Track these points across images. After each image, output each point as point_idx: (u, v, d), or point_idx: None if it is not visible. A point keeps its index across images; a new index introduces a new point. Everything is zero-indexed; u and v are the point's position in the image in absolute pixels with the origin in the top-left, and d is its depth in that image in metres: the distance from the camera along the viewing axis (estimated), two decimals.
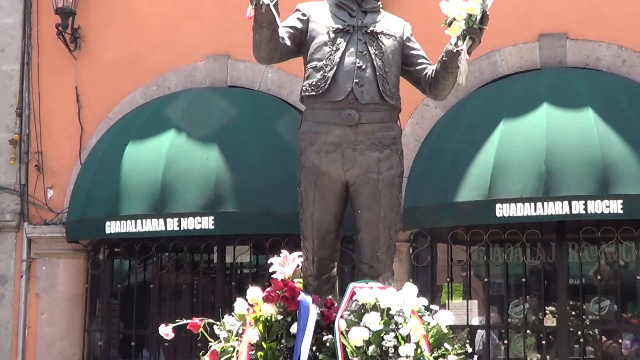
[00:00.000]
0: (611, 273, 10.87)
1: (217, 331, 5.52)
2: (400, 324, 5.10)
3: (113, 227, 10.43)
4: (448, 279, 10.48)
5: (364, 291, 5.25)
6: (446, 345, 5.20)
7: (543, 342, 10.40)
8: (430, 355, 5.06)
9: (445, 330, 5.23)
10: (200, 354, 5.58)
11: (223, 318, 5.58)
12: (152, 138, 10.71)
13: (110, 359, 11.57)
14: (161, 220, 10.23)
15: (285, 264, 5.50)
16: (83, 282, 11.51)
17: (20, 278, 11.53)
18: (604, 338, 10.50)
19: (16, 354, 11.43)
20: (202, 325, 5.50)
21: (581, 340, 10.33)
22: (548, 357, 10.41)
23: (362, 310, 5.20)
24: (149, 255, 11.43)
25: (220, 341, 5.46)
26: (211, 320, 5.56)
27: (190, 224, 10.14)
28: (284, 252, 5.57)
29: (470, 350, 5.51)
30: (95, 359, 11.55)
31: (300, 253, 5.64)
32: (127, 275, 11.97)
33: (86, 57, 11.72)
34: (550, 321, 10.39)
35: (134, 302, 11.45)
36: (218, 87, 11.27)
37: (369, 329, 5.05)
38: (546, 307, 10.46)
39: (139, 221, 10.29)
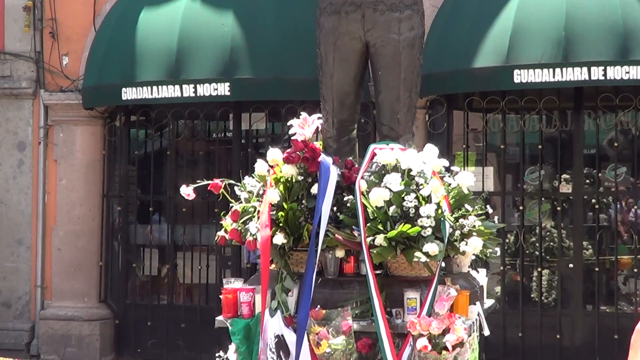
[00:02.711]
0: (626, 142, 10.86)
1: (237, 192, 5.56)
2: (421, 184, 5.12)
3: (129, 94, 10.40)
4: (464, 146, 10.47)
5: (385, 152, 5.26)
6: (467, 206, 5.23)
7: (558, 209, 10.47)
8: (451, 215, 5.10)
9: (466, 192, 5.26)
10: (222, 214, 5.62)
11: (243, 180, 5.61)
12: (166, 3, 10.58)
13: (128, 223, 11.70)
14: (177, 86, 10.20)
15: (305, 126, 5.47)
16: (100, 148, 11.56)
17: (38, 145, 11.57)
18: (618, 205, 10.59)
19: (37, 219, 11.57)
20: (222, 186, 5.53)
21: (596, 207, 10.38)
22: (562, 224, 10.50)
23: (383, 171, 5.22)
24: (165, 123, 11.44)
25: (241, 202, 5.49)
26: (232, 181, 5.59)
27: (206, 90, 10.10)
28: (304, 114, 5.55)
29: (491, 211, 5.55)
30: (113, 223, 11.69)
31: (320, 115, 5.63)
32: (144, 143, 12.01)
33: None
34: (565, 188, 10.44)
35: (151, 169, 11.53)
36: None
37: (390, 190, 5.08)
38: (561, 175, 10.50)
39: (154, 87, 10.26)
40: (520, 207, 10.45)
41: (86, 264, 11.44)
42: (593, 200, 10.40)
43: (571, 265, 10.22)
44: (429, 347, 4.78)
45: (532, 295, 10.49)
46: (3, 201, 11.67)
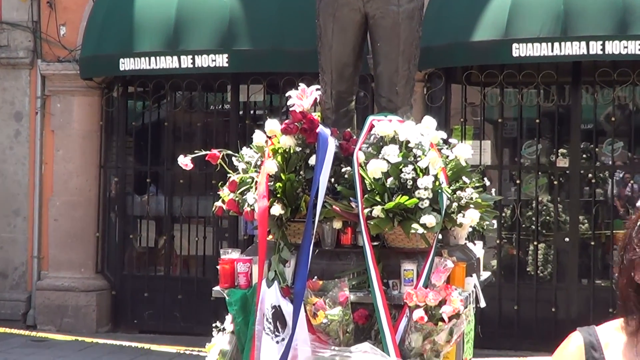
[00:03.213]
0: (623, 118, 10.87)
1: (235, 163, 5.54)
2: (419, 156, 5.11)
3: (127, 64, 10.38)
4: (461, 120, 10.48)
5: (383, 124, 5.24)
6: (464, 178, 5.23)
7: (555, 183, 10.49)
8: (449, 187, 5.09)
9: (464, 164, 5.25)
10: (220, 184, 5.61)
11: (241, 150, 5.60)
12: None
13: (126, 194, 11.71)
14: (175, 57, 10.19)
15: (303, 97, 5.44)
16: (97, 119, 11.54)
17: (35, 115, 11.55)
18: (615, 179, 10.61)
19: (34, 189, 11.57)
20: (220, 156, 5.51)
21: (592, 181, 10.39)
22: (559, 198, 10.52)
23: (381, 143, 5.21)
24: (163, 94, 11.42)
25: (239, 173, 5.48)
26: (230, 152, 5.57)
27: (204, 61, 10.09)
28: (302, 85, 5.52)
29: (488, 183, 5.55)
30: (110, 194, 11.69)
31: (319, 86, 5.61)
32: (141, 114, 11.99)
33: None
34: (562, 163, 10.45)
35: (149, 140, 11.52)
36: None
37: (388, 161, 5.07)
38: (558, 149, 10.51)
39: (152, 58, 10.25)
40: (517, 181, 10.48)
41: (83, 235, 11.45)
42: (590, 175, 10.42)
43: (567, 239, 10.26)
44: (426, 319, 4.78)
45: (528, 269, 10.53)
46: (0, 171, 11.67)
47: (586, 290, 10.18)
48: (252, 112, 11.63)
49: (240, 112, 11.39)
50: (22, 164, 11.60)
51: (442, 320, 4.81)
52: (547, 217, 10.58)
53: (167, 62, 10.20)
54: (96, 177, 11.56)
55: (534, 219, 10.43)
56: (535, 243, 10.40)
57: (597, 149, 10.48)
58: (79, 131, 11.47)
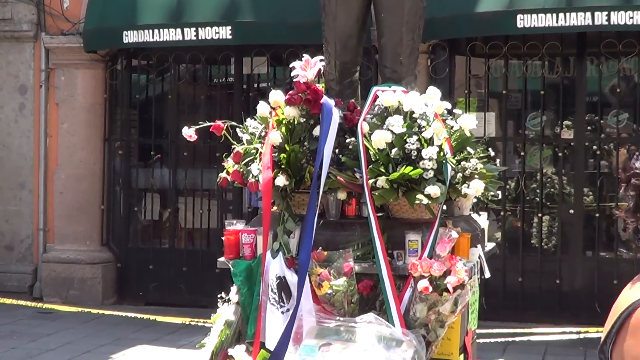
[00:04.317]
0: (628, 89, 10.83)
1: (239, 134, 5.53)
2: (424, 127, 5.10)
3: (130, 37, 10.38)
4: (466, 91, 10.45)
5: (387, 94, 5.22)
6: (469, 148, 5.21)
7: (559, 155, 10.47)
8: (453, 158, 5.08)
9: (468, 134, 5.23)
10: (224, 155, 5.61)
11: (245, 122, 5.58)
12: None
13: (130, 167, 11.71)
14: (178, 30, 10.17)
15: (307, 68, 5.42)
16: (102, 92, 11.53)
17: (39, 88, 11.55)
18: (620, 151, 10.58)
19: (39, 162, 11.58)
20: (225, 127, 5.50)
21: (597, 153, 10.38)
22: (563, 170, 10.51)
23: (385, 114, 5.20)
24: (167, 67, 11.40)
25: (243, 144, 5.48)
26: (234, 123, 5.56)
27: (207, 33, 10.07)
28: (306, 56, 5.50)
29: (492, 154, 5.54)
30: (115, 167, 11.70)
31: (323, 57, 5.59)
32: (145, 87, 11.98)
33: None
34: (566, 134, 10.43)
35: (153, 113, 11.52)
36: None
37: (392, 132, 5.05)
38: (563, 121, 10.48)
39: (156, 31, 10.23)
40: (522, 153, 10.46)
41: (88, 208, 11.48)
42: (594, 147, 10.40)
43: (572, 212, 10.26)
44: (430, 289, 4.78)
45: (532, 241, 10.53)
46: (5, 144, 11.68)
47: (590, 262, 10.19)
48: (255, 84, 11.61)
49: (244, 85, 11.37)
50: (27, 137, 11.61)
51: (447, 290, 4.81)
52: (552, 189, 10.57)
53: (171, 35, 10.18)
54: (100, 150, 11.57)
55: (538, 191, 10.43)
56: (539, 215, 10.40)
57: (602, 121, 10.46)
58: (83, 104, 11.47)
